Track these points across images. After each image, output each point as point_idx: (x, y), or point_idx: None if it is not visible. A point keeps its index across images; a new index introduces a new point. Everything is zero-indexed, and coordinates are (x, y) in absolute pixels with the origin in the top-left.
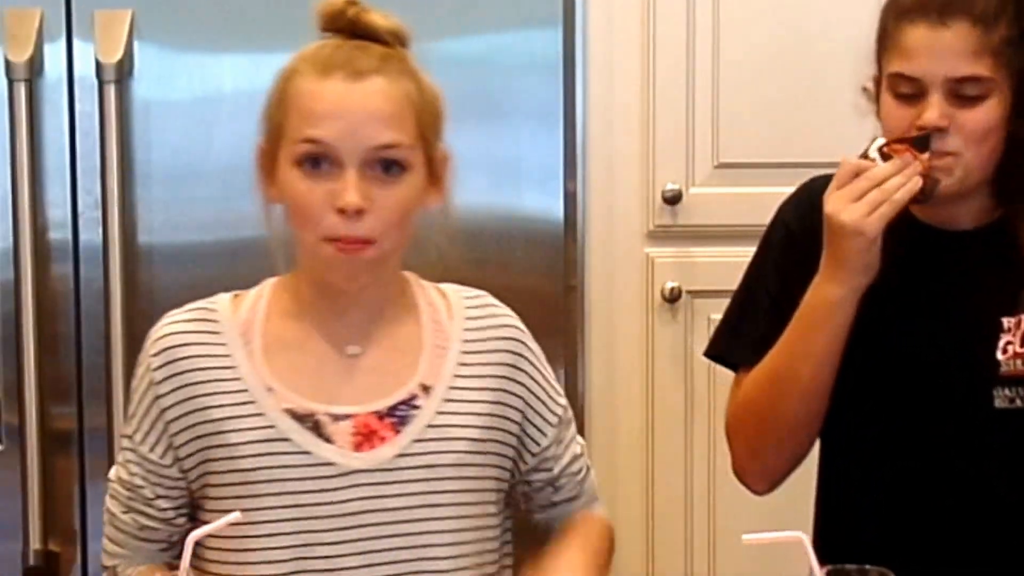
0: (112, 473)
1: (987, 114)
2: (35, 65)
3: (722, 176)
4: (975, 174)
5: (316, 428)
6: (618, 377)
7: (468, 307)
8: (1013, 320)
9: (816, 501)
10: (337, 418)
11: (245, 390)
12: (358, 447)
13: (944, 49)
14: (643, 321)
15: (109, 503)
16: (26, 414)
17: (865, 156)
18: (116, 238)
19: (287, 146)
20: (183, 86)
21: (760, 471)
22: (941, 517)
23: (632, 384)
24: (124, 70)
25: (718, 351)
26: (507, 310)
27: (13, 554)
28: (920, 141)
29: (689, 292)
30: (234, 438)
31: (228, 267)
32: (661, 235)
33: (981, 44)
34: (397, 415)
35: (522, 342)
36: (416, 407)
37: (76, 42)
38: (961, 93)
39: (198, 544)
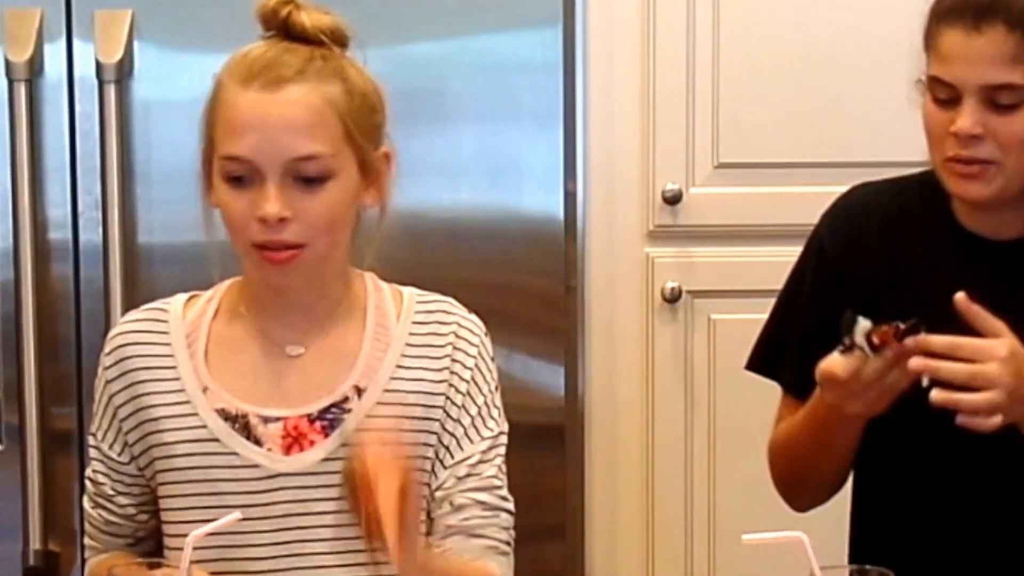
0: (88, 469)
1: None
2: (35, 65)
3: (722, 176)
4: (1016, 181)
5: (246, 430)
6: (618, 377)
7: (418, 310)
8: None
9: (851, 511)
10: (268, 420)
11: (182, 390)
12: (287, 450)
13: (978, 56)
14: (643, 321)
15: (84, 499)
16: (26, 414)
17: (851, 342)
18: (116, 238)
19: (216, 159)
20: (183, 86)
21: (798, 503)
22: (977, 525)
23: (632, 384)
24: (124, 70)
25: (759, 366)
26: (464, 317)
27: (13, 554)
28: (907, 333)
29: (689, 292)
30: (169, 437)
31: (228, 267)
32: (661, 235)
33: (1017, 50)
34: (327, 418)
35: (465, 351)
36: (347, 410)
37: (76, 42)
38: (996, 100)
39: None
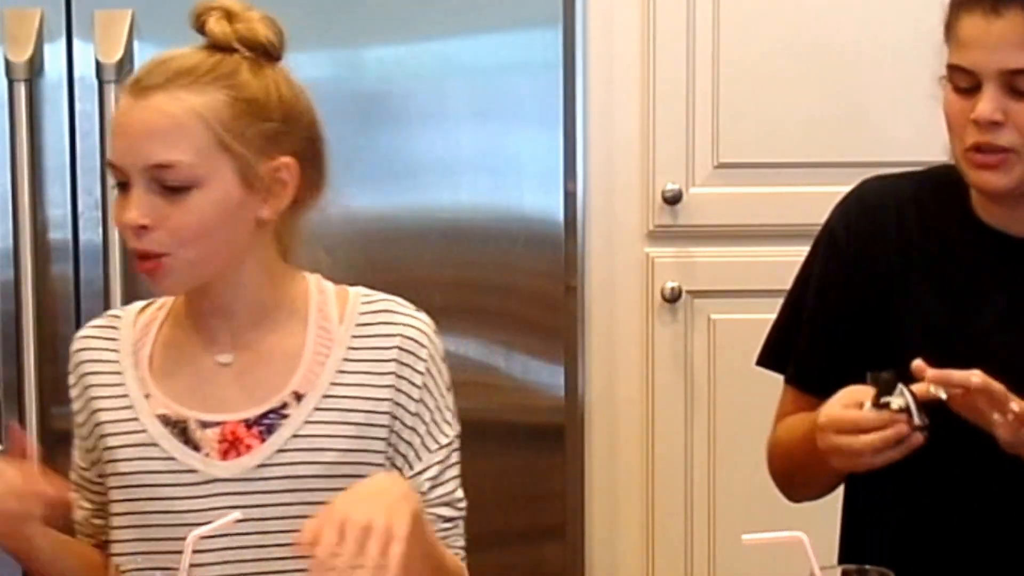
0: None
1: None
2: (35, 65)
3: (722, 176)
4: None
5: (184, 434)
6: (618, 377)
7: (362, 311)
8: None
9: (843, 511)
10: (206, 425)
11: (126, 395)
12: (224, 455)
13: (997, 40)
14: (643, 321)
15: None
16: (26, 414)
17: (886, 401)
18: (116, 238)
19: None
20: None
21: (795, 498)
22: (976, 534)
23: (632, 384)
24: (124, 70)
25: (770, 362)
26: (412, 319)
27: None
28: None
29: (689, 292)
30: (113, 442)
31: None
32: (661, 235)
33: None
34: (265, 424)
35: (415, 354)
36: (285, 416)
37: (76, 42)
38: (1016, 86)
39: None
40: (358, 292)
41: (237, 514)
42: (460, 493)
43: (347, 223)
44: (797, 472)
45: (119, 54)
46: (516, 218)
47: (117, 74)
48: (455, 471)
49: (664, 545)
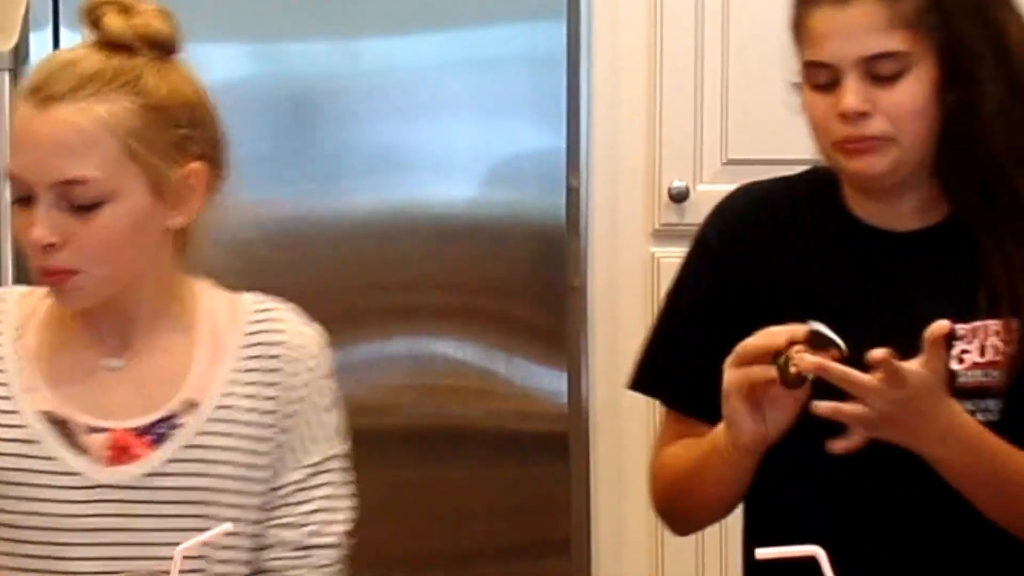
0: None
1: (910, 91)
2: (21, 54)
3: (731, 173)
4: (911, 156)
5: (70, 436)
6: (622, 379)
7: (251, 320)
8: (969, 327)
9: (745, 513)
10: (94, 430)
11: (6, 383)
12: (111, 461)
13: (850, 28)
14: (648, 322)
15: None
16: None
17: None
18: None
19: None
20: None
21: (680, 529)
22: (892, 534)
23: None
24: None
25: (643, 385)
26: (297, 325)
27: None
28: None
29: None
30: None
31: (227, 263)
32: (667, 234)
33: (890, 17)
34: (156, 432)
35: (297, 365)
36: (178, 425)
37: (63, 30)
38: (877, 73)
39: None
40: (250, 299)
41: (227, 525)
42: (321, 517)
43: (341, 220)
44: (688, 497)
45: None
46: (518, 215)
47: None
48: (321, 491)
49: (674, 560)
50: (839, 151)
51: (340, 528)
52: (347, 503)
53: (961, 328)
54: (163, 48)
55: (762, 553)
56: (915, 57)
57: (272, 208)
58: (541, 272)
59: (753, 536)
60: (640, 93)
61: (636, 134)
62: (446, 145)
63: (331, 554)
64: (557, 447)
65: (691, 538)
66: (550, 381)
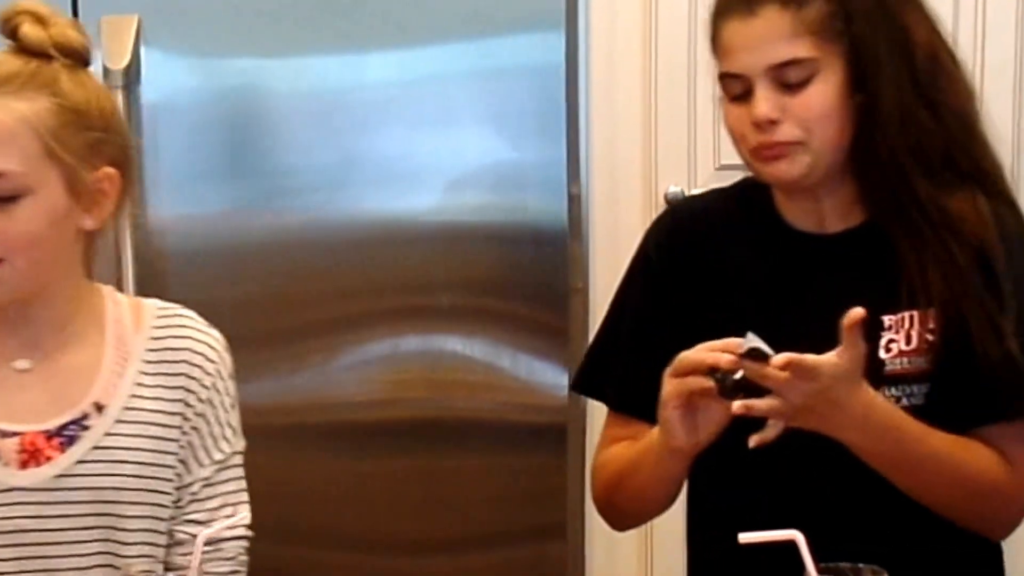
0: None
1: (819, 95)
2: None
3: (724, 178)
4: (823, 159)
5: None
6: None
7: (155, 325)
8: (895, 318)
9: (688, 505)
10: (5, 434)
11: None
12: (23, 464)
13: (757, 38)
14: None
15: None
16: None
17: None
18: (128, 244)
19: None
20: (190, 92)
21: (620, 526)
22: (823, 522)
23: None
24: (131, 76)
25: (584, 386)
26: (200, 332)
27: None
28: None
29: None
30: None
31: (235, 271)
32: None
33: (795, 25)
34: (66, 435)
35: (202, 367)
36: (86, 427)
37: None
38: (786, 80)
39: None
40: (153, 305)
41: (243, 515)
42: (229, 511)
43: (353, 227)
44: (627, 495)
45: (126, 60)
46: (520, 221)
47: (124, 80)
48: (227, 487)
49: (664, 545)
50: (755, 158)
51: (246, 520)
52: (247, 496)
53: (888, 319)
54: (77, 57)
55: (745, 537)
56: (822, 63)
57: (290, 216)
58: (544, 274)
59: (696, 533)
60: (636, 101)
61: (633, 142)
62: (453, 155)
63: (238, 546)
64: (556, 438)
65: (679, 524)
66: (550, 375)
